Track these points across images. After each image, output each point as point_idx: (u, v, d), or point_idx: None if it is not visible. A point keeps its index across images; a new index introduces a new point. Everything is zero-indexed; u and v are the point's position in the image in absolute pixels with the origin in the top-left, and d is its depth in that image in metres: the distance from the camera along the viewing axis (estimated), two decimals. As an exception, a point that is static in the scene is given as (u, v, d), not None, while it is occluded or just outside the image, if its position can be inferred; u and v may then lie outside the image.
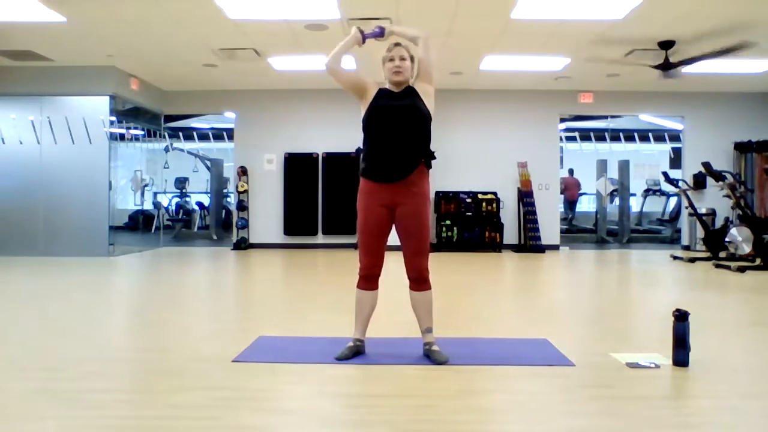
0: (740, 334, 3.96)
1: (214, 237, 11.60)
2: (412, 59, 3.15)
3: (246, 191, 9.82)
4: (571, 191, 13.55)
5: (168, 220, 12.73)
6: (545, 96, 9.81)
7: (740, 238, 7.72)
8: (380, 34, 3.22)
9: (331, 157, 9.78)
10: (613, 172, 11.87)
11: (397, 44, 3.15)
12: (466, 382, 2.82)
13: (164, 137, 11.33)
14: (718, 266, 7.40)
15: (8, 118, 8.42)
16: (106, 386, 2.72)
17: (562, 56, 7.65)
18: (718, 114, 9.91)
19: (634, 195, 12.82)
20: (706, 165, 8.32)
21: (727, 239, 7.89)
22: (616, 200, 12.04)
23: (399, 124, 3.05)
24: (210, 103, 10.15)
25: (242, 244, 9.67)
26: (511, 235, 9.70)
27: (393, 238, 3.14)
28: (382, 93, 3.15)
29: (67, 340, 3.60)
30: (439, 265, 7.21)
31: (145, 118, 9.99)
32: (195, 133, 15.43)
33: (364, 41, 3.20)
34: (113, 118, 8.60)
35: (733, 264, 7.33)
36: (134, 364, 3.16)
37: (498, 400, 2.61)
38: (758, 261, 7.46)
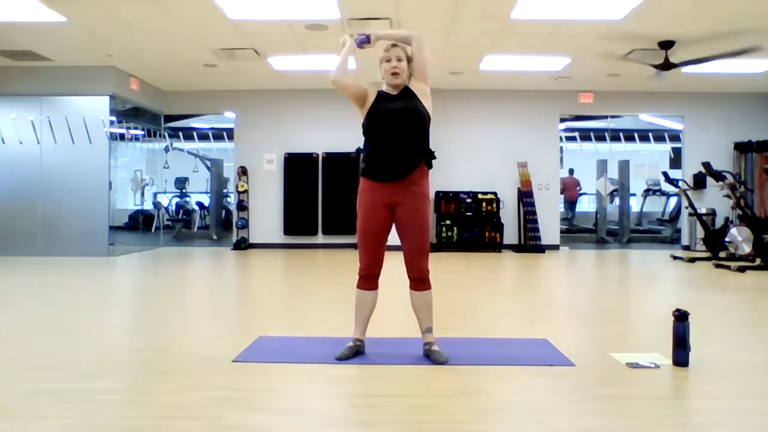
0: (740, 334, 3.96)
1: (214, 237, 11.61)
2: (409, 60, 3.15)
3: (246, 191, 9.82)
4: (570, 191, 13.56)
5: (168, 220, 12.73)
6: (545, 96, 9.81)
7: (740, 238, 7.72)
8: (366, 40, 3.21)
9: (331, 157, 9.78)
10: (613, 172, 11.88)
11: (394, 45, 3.14)
12: (466, 382, 2.82)
13: (164, 137, 11.33)
14: (718, 266, 7.40)
15: (8, 118, 8.42)
16: (106, 386, 2.72)
17: (562, 56, 7.65)
18: (718, 114, 9.91)
19: (634, 195, 12.82)
20: (706, 165, 8.32)
21: (727, 239, 7.88)
22: (616, 200, 12.05)
23: (399, 127, 3.05)
24: (210, 103, 10.15)
25: (242, 244, 9.67)
26: (511, 235, 9.69)
27: (393, 238, 3.14)
28: (381, 96, 3.14)
29: (67, 340, 3.61)
30: (439, 265, 7.21)
31: (145, 118, 10.00)
32: (195, 133, 15.43)
33: (361, 43, 3.22)
34: (113, 118, 8.60)
35: (733, 264, 7.33)
36: (134, 364, 3.16)
37: (498, 400, 2.61)
38: (758, 261, 7.46)
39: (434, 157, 3.16)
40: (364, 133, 3.14)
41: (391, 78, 3.11)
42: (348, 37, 3.23)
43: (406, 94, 3.13)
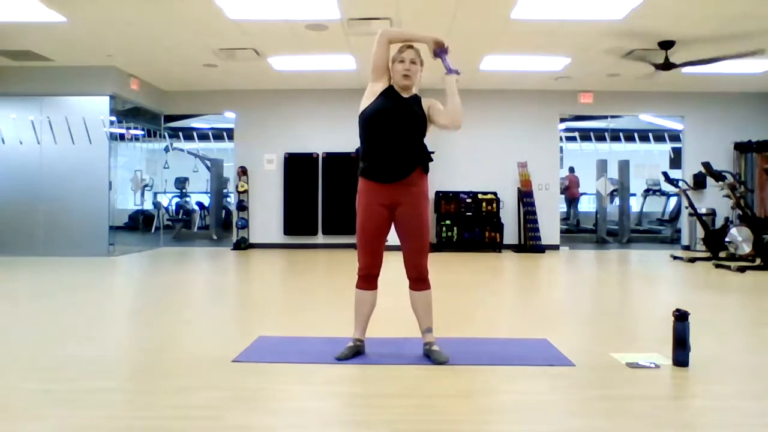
0: (740, 334, 3.96)
1: (214, 237, 11.61)
2: (421, 63, 3.14)
3: (246, 191, 9.82)
4: (571, 189, 13.56)
5: (168, 220, 12.73)
6: (545, 96, 9.81)
7: (740, 238, 7.72)
8: (449, 70, 3.11)
9: (331, 157, 9.78)
10: (613, 172, 11.87)
11: (410, 46, 3.11)
12: (466, 382, 2.82)
13: (164, 137, 11.33)
14: (718, 266, 7.40)
15: (8, 118, 8.42)
16: (106, 386, 2.72)
17: (562, 56, 7.65)
18: (718, 114, 9.91)
19: (634, 195, 12.82)
20: (706, 165, 8.32)
21: (727, 239, 7.88)
22: (616, 200, 12.05)
23: (399, 125, 3.03)
24: (210, 103, 10.15)
25: (242, 244, 9.67)
26: (511, 235, 9.69)
27: (393, 238, 3.14)
28: (389, 92, 3.10)
29: (68, 339, 3.61)
30: (439, 265, 7.21)
31: (145, 118, 9.99)
32: (195, 133, 15.43)
33: (436, 56, 3.13)
34: (113, 118, 8.60)
35: (733, 264, 7.33)
36: (134, 364, 3.16)
37: (498, 400, 2.61)
38: (758, 261, 7.46)
39: (431, 160, 3.15)
40: (362, 123, 3.09)
41: (402, 80, 3.08)
42: (441, 41, 3.11)
43: (415, 101, 3.12)
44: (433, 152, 3.18)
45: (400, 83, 3.10)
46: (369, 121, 3.07)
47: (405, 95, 3.11)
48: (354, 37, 6.67)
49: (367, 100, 3.11)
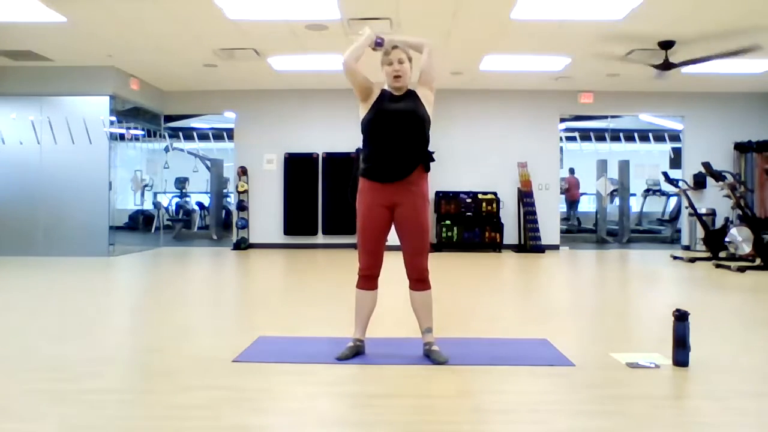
0: (740, 334, 3.96)
1: (214, 237, 11.60)
2: (410, 59, 3.15)
3: (246, 191, 9.82)
4: (572, 191, 13.55)
5: (168, 220, 12.73)
6: (545, 96, 9.81)
7: (740, 238, 7.72)
8: (381, 43, 3.24)
9: (331, 157, 9.78)
10: (613, 172, 11.87)
11: (395, 47, 3.13)
12: (466, 382, 2.82)
13: (164, 137, 11.32)
14: (718, 266, 7.40)
15: (8, 118, 8.42)
16: (106, 386, 2.72)
17: (562, 56, 7.65)
18: (718, 114, 9.91)
19: (634, 195, 12.82)
20: (706, 165, 8.32)
21: (727, 239, 7.88)
22: (616, 200, 12.05)
23: (400, 127, 3.05)
24: (210, 103, 10.15)
25: (242, 244, 9.67)
26: (511, 235, 9.69)
27: (393, 238, 3.14)
28: (384, 96, 3.14)
29: (67, 340, 3.60)
30: (439, 265, 7.21)
31: (145, 118, 9.99)
32: (195, 133, 15.43)
33: (378, 45, 3.23)
34: (113, 118, 8.60)
35: (733, 264, 7.33)
36: (134, 364, 3.17)
37: (498, 400, 2.61)
38: (758, 261, 7.46)
39: (433, 160, 3.16)
40: (364, 130, 3.13)
41: (394, 81, 3.11)
42: (369, 29, 3.25)
43: (410, 96, 3.15)
44: (433, 152, 3.17)
45: (392, 85, 3.13)
46: (370, 126, 3.10)
47: (400, 94, 3.14)
48: (354, 37, 6.66)
49: (365, 107, 3.15)
